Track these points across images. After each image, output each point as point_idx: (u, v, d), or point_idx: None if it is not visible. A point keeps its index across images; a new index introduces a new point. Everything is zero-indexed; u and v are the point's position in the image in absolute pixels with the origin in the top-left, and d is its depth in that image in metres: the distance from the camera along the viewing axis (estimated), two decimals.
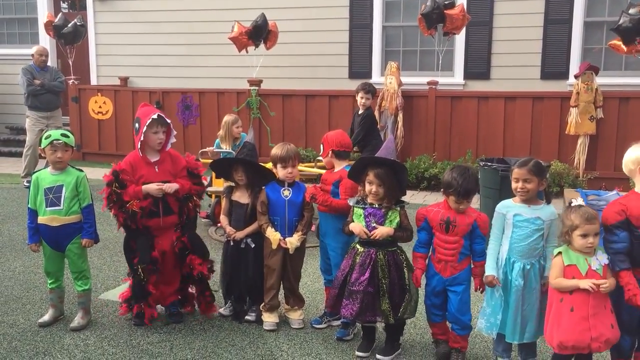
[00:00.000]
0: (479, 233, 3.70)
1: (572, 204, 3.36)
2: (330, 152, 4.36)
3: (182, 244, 4.34)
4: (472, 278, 3.77)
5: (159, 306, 4.49)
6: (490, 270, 3.61)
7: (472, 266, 3.75)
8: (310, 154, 9.58)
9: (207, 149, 7.07)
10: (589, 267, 3.26)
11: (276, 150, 4.32)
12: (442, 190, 3.79)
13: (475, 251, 3.73)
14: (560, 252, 3.34)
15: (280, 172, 4.30)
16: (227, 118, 7.01)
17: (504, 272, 3.59)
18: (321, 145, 4.45)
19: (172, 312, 4.47)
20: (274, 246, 4.23)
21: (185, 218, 4.38)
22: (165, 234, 4.32)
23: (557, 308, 3.31)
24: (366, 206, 3.86)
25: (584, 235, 3.24)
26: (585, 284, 3.19)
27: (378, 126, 9.45)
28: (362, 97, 7.42)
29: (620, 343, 3.44)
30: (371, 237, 3.78)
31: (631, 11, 8.38)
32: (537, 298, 3.53)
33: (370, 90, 7.54)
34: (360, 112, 7.39)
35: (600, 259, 3.29)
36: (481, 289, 3.72)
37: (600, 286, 3.18)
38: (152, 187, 4.18)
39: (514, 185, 3.58)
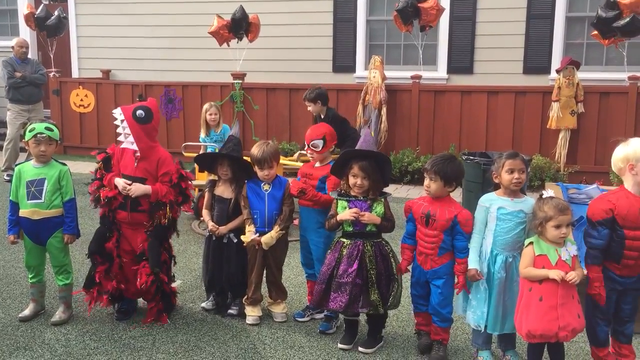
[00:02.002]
0: (459, 229, 3.69)
1: (544, 196, 3.41)
2: (333, 147, 4.41)
3: (143, 249, 4.26)
4: (455, 274, 3.77)
5: (141, 299, 4.48)
6: (473, 263, 3.63)
7: (455, 263, 3.74)
8: (294, 148, 9.56)
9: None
10: (559, 257, 3.33)
11: (254, 150, 4.26)
12: None
13: (456, 247, 3.72)
14: (531, 242, 3.40)
15: (258, 172, 4.28)
16: (204, 106, 7.27)
17: (487, 264, 3.62)
18: (321, 140, 4.28)
19: None
20: (245, 241, 4.24)
21: (156, 223, 4.22)
22: (137, 230, 4.24)
23: (527, 297, 3.37)
24: (351, 199, 3.88)
25: (558, 226, 3.29)
26: (555, 274, 3.25)
27: (362, 121, 9.52)
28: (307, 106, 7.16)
29: (597, 332, 3.53)
30: (359, 220, 3.80)
31: (604, 5, 8.52)
32: (518, 290, 3.57)
33: (310, 98, 6.99)
34: (322, 115, 7.03)
35: (570, 250, 3.36)
36: (465, 289, 3.71)
37: (569, 279, 3.24)
38: (119, 183, 4.15)
39: (507, 176, 3.55)
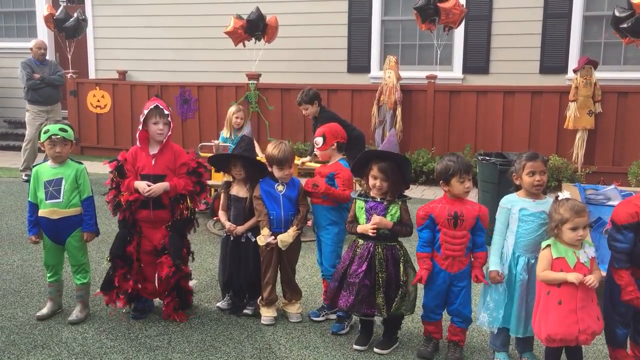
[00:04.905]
0: (479, 225, 3.70)
1: (560, 198, 3.36)
2: (335, 144, 4.36)
3: (164, 244, 4.30)
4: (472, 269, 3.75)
5: (157, 300, 4.51)
6: (494, 265, 3.59)
7: (472, 258, 3.73)
8: (309, 148, 9.56)
9: (212, 142, 7.15)
10: (577, 260, 3.27)
11: (272, 151, 4.26)
12: (440, 181, 3.75)
13: (476, 243, 3.72)
14: (548, 245, 3.35)
15: (277, 172, 4.28)
16: (231, 107, 7.22)
17: (509, 266, 3.58)
18: (321, 138, 4.37)
19: None
20: (260, 243, 4.24)
21: (177, 217, 4.29)
22: (157, 228, 4.30)
23: (545, 301, 3.32)
24: (368, 199, 3.87)
25: (574, 228, 3.25)
26: (573, 277, 3.20)
27: (377, 121, 9.51)
28: (302, 110, 6.83)
29: (616, 334, 3.48)
30: (371, 225, 3.78)
31: (620, 6, 8.45)
32: None
33: (306, 100, 6.60)
34: (317, 116, 6.68)
35: (588, 252, 3.31)
36: (484, 281, 3.68)
37: (588, 283, 3.18)
38: (141, 185, 4.18)
39: (528, 179, 3.52)
